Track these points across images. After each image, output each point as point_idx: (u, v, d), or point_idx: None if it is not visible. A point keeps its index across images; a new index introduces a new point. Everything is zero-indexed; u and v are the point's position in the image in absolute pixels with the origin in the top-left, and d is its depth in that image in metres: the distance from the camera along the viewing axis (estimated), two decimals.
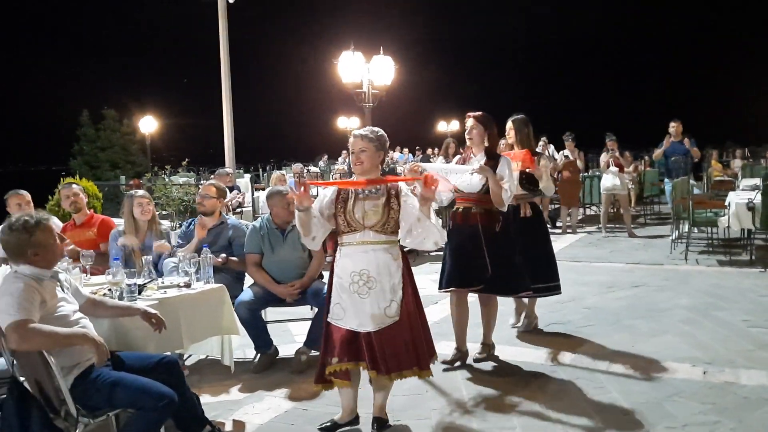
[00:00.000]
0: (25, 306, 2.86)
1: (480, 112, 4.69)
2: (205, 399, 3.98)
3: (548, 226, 12.04)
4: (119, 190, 15.25)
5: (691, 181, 10.01)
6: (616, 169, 10.77)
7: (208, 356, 4.81)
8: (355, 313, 3.46)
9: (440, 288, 4.69)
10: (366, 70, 5.25)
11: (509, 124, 5.37)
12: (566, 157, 11.39)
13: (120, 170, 23.96)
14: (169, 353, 3.50)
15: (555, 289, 5.36)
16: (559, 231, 11.68)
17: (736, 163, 16.48)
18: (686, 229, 8.88)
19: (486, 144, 4.62)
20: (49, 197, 10.41)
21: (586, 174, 12.91)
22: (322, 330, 3.60)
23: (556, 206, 12.36)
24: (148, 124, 22.12)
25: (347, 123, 25.42)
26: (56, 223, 5.26)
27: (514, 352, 4.99)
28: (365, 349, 3.42)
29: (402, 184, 3.62)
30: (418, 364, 3.51)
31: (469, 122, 4.68)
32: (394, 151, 21.14)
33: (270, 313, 5.23)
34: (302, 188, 3.50)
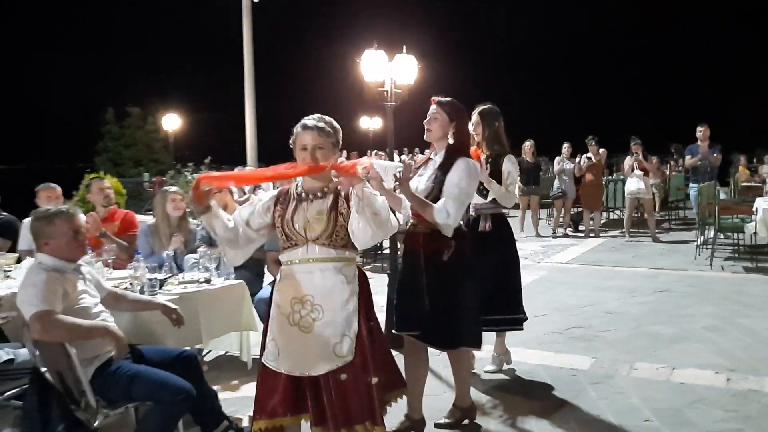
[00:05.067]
0: (48, 297, 2.89)
1: (448, 99, 3.57)
2: (223, 395, 3.99)
3: (569, 230, 12.07)
4: (142, 187, 15.45)
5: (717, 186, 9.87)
6: (641, 172, 10.65)
7: (227, 352, 4.84)
8: (295, 352, 2.73)
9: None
10: (389, 68, 5.24)
11: (475, 117, 4.29)
12: (589, 159, 11.29)
13: (143, 167, 24.19)
14: (188, 348, 3.52)
15: (517, 323, 4.35)
16: (582, 234, 11.59)
17: (765, 169, 16.18)
18: (711, 235, 8.75)
19: (451, 140, 3.49)
20: (73, 193, 10.56)
21: (609, 177, 12.80)
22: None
23: (579, 209, 12.27)
24: (172, 122, 22.32)
25: (369, 123, 25.43)
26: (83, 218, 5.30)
27: (532, 355, 4.93)
28: (309, 397, 2.74)
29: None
30: (372, 417, 2.72)
31: (431, 109, 3.54)
32: (413, 154, 21.08)
33: None
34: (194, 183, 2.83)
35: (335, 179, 2.71)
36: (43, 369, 3.04)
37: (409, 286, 3.43)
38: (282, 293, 2.81)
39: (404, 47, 5.58)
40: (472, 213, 4.25)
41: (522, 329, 4.42)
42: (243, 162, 14.50)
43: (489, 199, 4.16)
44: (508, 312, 4.29)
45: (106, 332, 3.00)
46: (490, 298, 4.05)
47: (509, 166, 4.24)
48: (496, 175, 4.17)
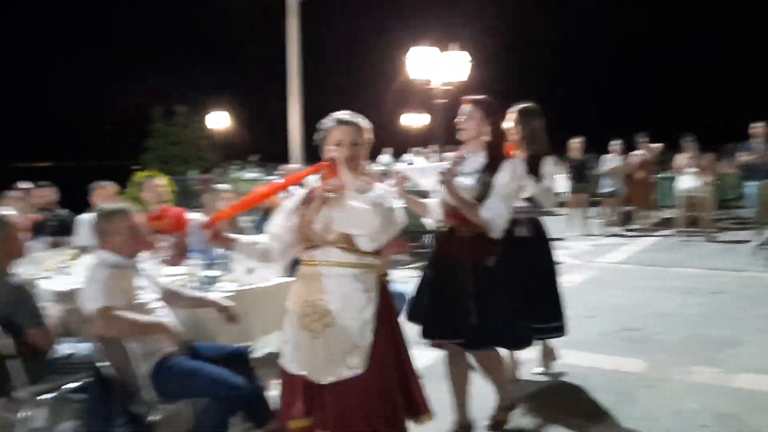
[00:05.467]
0: (110, 293, 2.96)
1: (482, 96, 3.47)
2: (272, 392, 4.02)
3: (620, 228, 11.81)
4: (189, 185, 15.73)
5: None
6: (695, 170, 10.37)
7: (278, 350, 4.88)
8: (305, 356, 2.64)
9: (421, 336, 3.44)
10: (437, 65, 5.19)
11: (512, 115, 4.11)
12: (639, 156, 11.03)
13: (189, 165, 24.64)
14: (240, 345, 3.56)
15: (557, 331, 4.16)
16: (633, 234, 11.35)
17: None
18: None
19: (487, 138, 3.38)
20: (124, 191, 10.84)
21: (663, 175, 12.49)
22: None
23: (630, 208, 12.01)
24: (219, 120, 22.64)
25: (412, 120, 25.38)
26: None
27: (583, 358, 4.84)
28: (316, 401, 2.64)
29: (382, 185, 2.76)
30: None
31: (464, 107, 3.44)
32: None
33: None
34: (209, 227, 2.77)
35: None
36: (103, 363, 3.12)
37: (450, 292, 3.28)
38: (295, 293, 2.71)
39: (449, 43, 5.53)
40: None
41: (562, 335, 4.20)
42: (288, 159, 14.63)
43: (523, 196, 3.97)
44: (546, 320, 4.08)
45: (164, 329, 3.06)
46: (528, 305, 3.83)
47: (549, 167, 4.06)
48: (536, 176, 4.01)
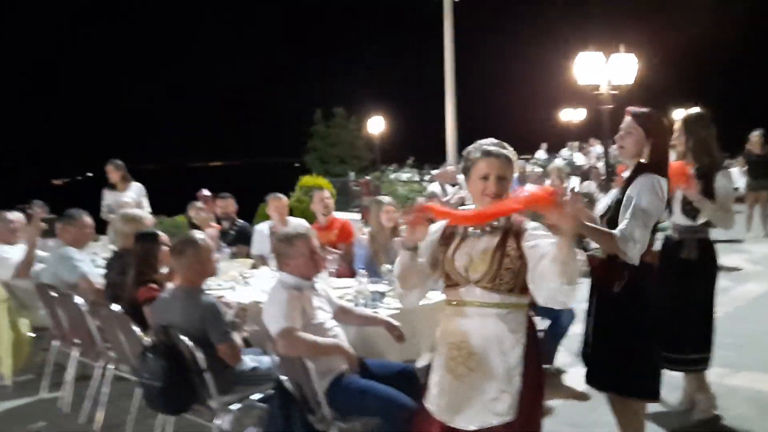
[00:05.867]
0: (291, 315, 3.15)
1: (645, 109, 3.19)
2: None
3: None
4: (348, 186, 16.39)
5: None
6: None
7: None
8: (449, 400, 2.50)
9: None
10: (604, 70, 4.96)
11: (678, 124, 3.81)
12: None
13: (347, 165, 25.64)
14: (408, 364, 3.64)
15: (702, 363, 3.83)
16: None
17: None
18: None
19: (646, 159, 3.11)
20: (290, 194, 11.50)
21: None
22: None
23: None
24: (377, 125, 23.31)
25: (572, 116, 24.61)
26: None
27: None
28: None
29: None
30: None
31: (625, 122, 3.19)
32: (584, 146, 19.79)
33: None
34: (413, 216, 2.50)
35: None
36: (283, 378, 3.33)
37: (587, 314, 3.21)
38: (440, 334, 2.60)
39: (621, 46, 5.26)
40: (674, 235, 3.82)
41: (707, 368, 3.87)
42: (443, 160, 14.76)
43: (700, 221, 3.71)
44: (697, 350, 3.78)
45: (341, 351, 3.22)
46: (683, 334, 3.67)
47: (723, 181, 3.70)
48: (707, 192, 3.67)
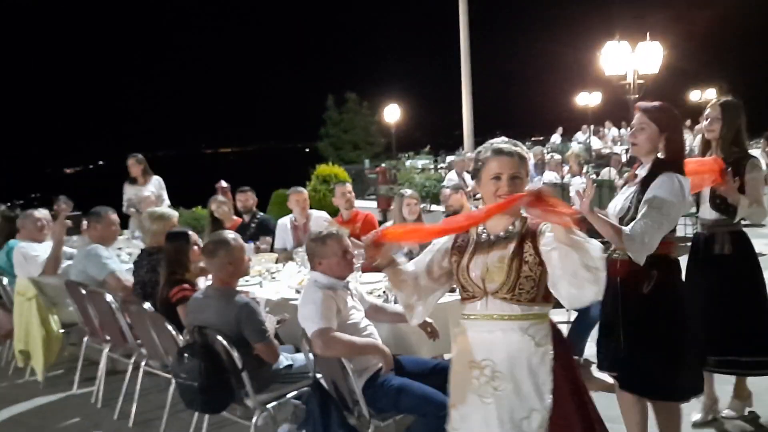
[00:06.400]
0: (326, 315, 3.16)
1: (656, 103, 3.09)
2: None
3: None
4: (363, 173, 16.36)
5: None
6: None
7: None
8: (475, 423, 2.33)
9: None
10: (631, 59, 4.90)
11: (714, 110, 3.56)
12: None
13: (360, 150, 25.62)
14: (442, 360, 3.64)
15: (763, 368, 3.56)
16: None
17: None
18: None
19: (662, 154, 3.02)
20: (306, 183, 11.51)
21: None
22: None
23: None
24: (392, 113, 23.22)
25: (588, 99, 24.41)
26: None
27: None
28: None
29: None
30: None
31: (635, 117, 3.09)
32: (600, 129, 19.61)
33: None
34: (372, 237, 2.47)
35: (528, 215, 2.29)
36: (319, 376, 3.35)
37: (607, 318, 3.10)
38: (459, 353, 2.43)
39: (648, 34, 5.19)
40: (704, 232, 3.65)
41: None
42: (459, 147, 14.72)
43: (737, 218, 3.52)
44: (749, 353, 3.51)
45: (377, 350, 3.24)
46: (729, 335, 3.48)
47: (754, 173, 3.49)
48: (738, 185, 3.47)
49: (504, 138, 2.43)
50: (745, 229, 3.65)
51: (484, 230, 2.38)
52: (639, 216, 2.85)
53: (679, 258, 3.15)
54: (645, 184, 2.97)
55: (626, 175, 3.29)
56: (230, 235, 3.62)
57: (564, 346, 2.38)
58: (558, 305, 2.36)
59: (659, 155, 3.03)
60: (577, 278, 2.09)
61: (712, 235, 3.59)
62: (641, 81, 4.82)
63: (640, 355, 2.96)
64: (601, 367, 3.21)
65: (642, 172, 3.06)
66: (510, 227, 2.34)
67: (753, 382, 3.85)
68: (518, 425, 2.25)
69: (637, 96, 4.63)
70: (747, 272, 3.59)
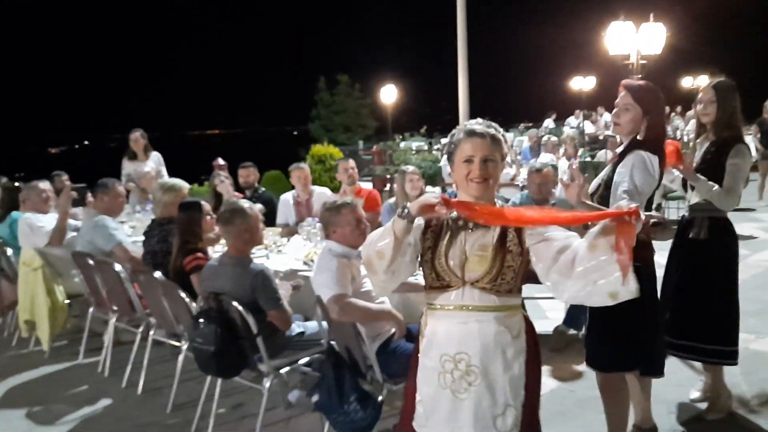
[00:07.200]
0: (341, 281, 3.24)
1: (641, 82, 3.09)
2: None
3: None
4: (358, 154, 16.37)
5: None
6: None
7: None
8: (447, 421, 2.20)
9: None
10: (635, 39, 4.96)
11: (706, 93, 3.49)
12: None
13: (352, 133, 25.60)
14: None
15: (729, 357, 3.53)
16: None
17: None
18: None
19: (641, 136, 2.98)
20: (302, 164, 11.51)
21: None
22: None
23: None
24: (389, 94, 23.16)
25: (582, 83, 24.49)
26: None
27: None
28: None
29: None
30: None
31: (619, 97, 3.04)
32: (592, 114, 19.74)
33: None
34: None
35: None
36: (332, 342, 3.43)
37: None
38: (429, 346, 2.26)
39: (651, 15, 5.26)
40: (684, 214, 3.67)
41: (735, 364, 3.56)
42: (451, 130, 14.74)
43: (696, 200, 3.49)
44: (717, 342, 3.49)
45: (391, 316, 3.32)
46: (691, 319, 3.48)
47: (736, 159, 3.38)
48: (718, 167, 3.40)
49: (479, 119, 2.32)
50: (737, 213, 3.62)
51: (461, 216, 2.21)
52: (616, 199, 2.84)
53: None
54: (617, 162, 2.99)
55: (610, 157, 3.32)
56: (246, 204, 3.68)
57: (535, 338, 2.30)
58: (535, 280, 2.29)
59: (638, 136, 3.01)
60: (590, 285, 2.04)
61: (692, 219, 3.57)
62: (644, 61, 4.90)
63: (613, 333, 2.97)
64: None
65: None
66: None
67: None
68: (492, 421, 2.16)
69: (640, 76, 4.72)
70: (720, 261, 3.52)
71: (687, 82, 26.49)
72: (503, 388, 2.17)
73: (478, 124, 2.25)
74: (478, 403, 2.16)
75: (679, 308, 3.51)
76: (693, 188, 3.49)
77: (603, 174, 3.11)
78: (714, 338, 3.49)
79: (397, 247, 2.15)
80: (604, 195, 2.97)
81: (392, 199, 5.66)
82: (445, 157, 11.45)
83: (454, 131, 2.32)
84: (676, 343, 3.50)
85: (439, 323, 2.24)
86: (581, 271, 2.03)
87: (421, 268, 2.33)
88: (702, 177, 3.38)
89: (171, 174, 7.62)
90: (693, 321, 3.49)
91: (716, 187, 3.36)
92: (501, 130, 2.28)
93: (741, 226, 3.65)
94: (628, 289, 1.99)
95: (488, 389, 2.16)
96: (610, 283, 2.00)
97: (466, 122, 2.33)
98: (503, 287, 2.18)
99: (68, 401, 4.42)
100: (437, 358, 2.21)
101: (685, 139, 13.19)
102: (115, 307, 4.70)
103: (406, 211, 2.10)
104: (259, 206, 4.06)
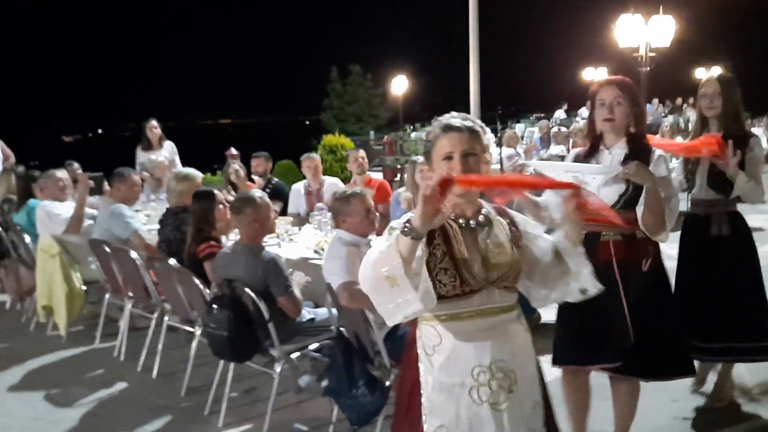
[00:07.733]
0: (351, 269, 3.32)
1: (620, 77, 3.06)
2: None
3: None
4: (369, 144, 16.44)
5: None
6: None
7: None
8: None
9: (554, 362, 3.14)
10: (644, 32, 4.99)
11: (711, 86, 3.47)
12: None
13: (363, 123, 25.66)
14: None
15: (761, 353, 3.48)
16: None
17: None
18: None
19: (632, 129, 2.97)
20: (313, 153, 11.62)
21: None
22: None
23: None
24: (400, 84, 23.23)
25: (594, 74, 24.36)
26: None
27: None
28: None
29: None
30: None
31: (607, 93, 2.92)
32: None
33: None
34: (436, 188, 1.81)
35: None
36: (341, 328, 3.52)
37: (597, 304, 2.47)
38: (452, 362, 2.02)
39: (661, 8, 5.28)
40: (698, 212, 3.56)
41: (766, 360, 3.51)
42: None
43: (733, 195, 3.39)
44: (747, 338, 3.43)
45: None
46: (724, 320, 3.41)
47: (756, 149, 3.38)
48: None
49: (454, 113, 2.15)
50: (743, 205, 3.57)
51: (460, 217, 2.09)
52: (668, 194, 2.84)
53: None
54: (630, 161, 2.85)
55: (578, 150, 3.23)
56: (257, 193, 3.77)
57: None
58: None
59: (631, 129, 2.98)
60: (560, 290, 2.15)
61: (708, 215, 3.50)
62: (653, 54, 4.92)
63: (650, 335, 2.89)
64: (588, 361, 3.06)
65: (618, 150, 2.96)
66: (483, 210, 2.13)
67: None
68: (527, 424, 2.06)
69: (648, 69, 4.76)
70: (745, 254, 3.51)
71: (700, 73, 26.33)
72: (532, 384, 2.10)
73: (454, 118, 2.10)
74: (517, 409, 2.03)
75: (711, 311, 3.42)
76: (714, 182, 3.41)
77: (618, 181, 2.90)
78: (752, 335, 3.44)
79: (407, 269, 1.84)
80: (633, 195, 2.87)
81: (402, 189, 5.72)
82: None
83: (429, 128, 2.22)
84: (711, 348, 3.42)
85: (461, 334, 2.03)
86: (552, 282, 2.15)
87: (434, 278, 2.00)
88: (741, 171, 3.30)
89: (184, 163, 7.75)
90: (729, 322, 3.41)
91: (752, 180, 3.31)
92: (479, 122, 2.12)
93: (749, 218, 3.65)
94: (594, 284, 2.13)
95: (524, 392, 2.06)
96: (579, 282, 2.13)
97: (441, 117, 2.16)
98: (516, 282, 2.12)
99: (85, 384, 4.55)
100: (467, 373, 2.01)
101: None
102: (130, 294, 4.81)
103: (408, 227, 1.83)
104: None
